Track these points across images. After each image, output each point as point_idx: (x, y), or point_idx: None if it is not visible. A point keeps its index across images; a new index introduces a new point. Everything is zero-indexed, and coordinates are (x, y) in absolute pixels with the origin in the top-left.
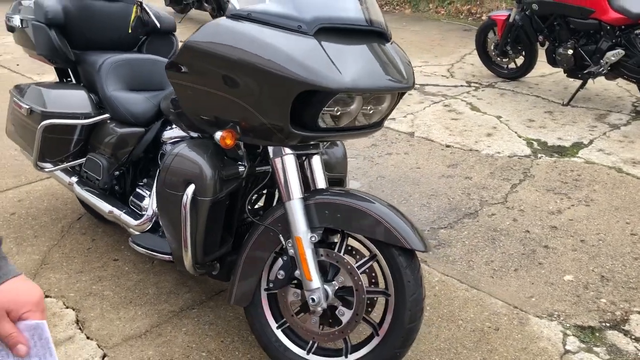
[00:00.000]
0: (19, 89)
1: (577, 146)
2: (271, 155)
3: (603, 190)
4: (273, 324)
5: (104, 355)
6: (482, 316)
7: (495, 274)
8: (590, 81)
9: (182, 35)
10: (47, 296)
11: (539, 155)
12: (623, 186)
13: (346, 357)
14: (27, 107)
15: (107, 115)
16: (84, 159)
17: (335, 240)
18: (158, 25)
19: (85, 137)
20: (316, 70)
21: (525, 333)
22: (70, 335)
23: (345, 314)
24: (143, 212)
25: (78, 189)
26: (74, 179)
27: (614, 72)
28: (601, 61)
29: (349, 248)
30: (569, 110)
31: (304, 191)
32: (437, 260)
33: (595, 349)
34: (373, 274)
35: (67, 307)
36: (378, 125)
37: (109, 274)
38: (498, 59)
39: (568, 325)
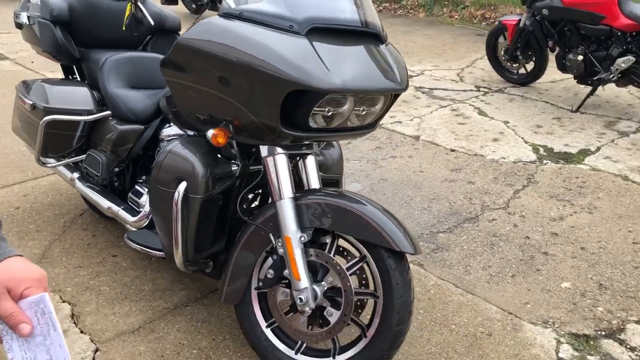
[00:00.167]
0: (25, 85)
1: (584, 153)
2: (263, 154)
3: (607, 198)
4: (262, 323)
5: (96, 350)
6: (475, 321)
7: (491, 279)
8: (601, 88)
9: None
10: None
11: (545, 161)
12: (628, 194)
13: (334, 357)
14: (31, 102)
15: (108, 112)
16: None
17: (327, 241)
18: (152, 23)
19: (87, 133)
20: (306, 70)
21: (518, 339)
22: (64, 329)
23: (333, 315)
24: (140, 209)
25: (79, 184)
26: (76, 175)
27: (624, 79)
28: (611, 68)
29: (341, 249)
30: (578, 116)
31: (295, 191)
32: (434, 264)
33: (589, 357)
34: (364, 276)
35: (63, 301)
36: (371, 126)
37: (107, 269)
38: (508, 64)
39: (562, 332)
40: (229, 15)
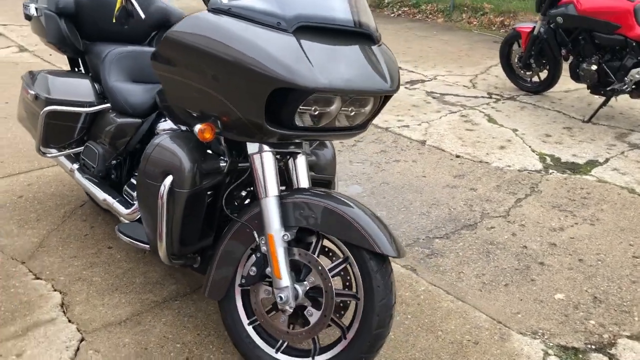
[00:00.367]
0: (31, 75)
1: (591, 164)
2: (250, 151)
3: (611, 210)
4: (245, 320)
5: (82, 339)
6: (463, 329)
7: (484, 287)
8: (615, 99)
9: None
10: (37, 278)
11: (550, 171)
12: (633, 207)
13: (313, 358)
14: (34, 93)
15: (108, 105)
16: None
17: (312, 241)
18: (143, 16)
19: (88, 125)
20: (291, 67)
21: (505, 349)
22: (53, 318)
23: (313, 315)
24: (134, 202)
25: (78, 175)
26: (75, 166)
27: (638, 90)
28: (625, 78)
29: (326, 250)
30: (589, 127)
31: (281, 190)
32: (427, 269)
33: None
34: (348, 277)
35: (55, 290)
36: (362, 127)
37: (101, 260)
38: (522, 71)
39: (551, 344)
40: (217, 10)
